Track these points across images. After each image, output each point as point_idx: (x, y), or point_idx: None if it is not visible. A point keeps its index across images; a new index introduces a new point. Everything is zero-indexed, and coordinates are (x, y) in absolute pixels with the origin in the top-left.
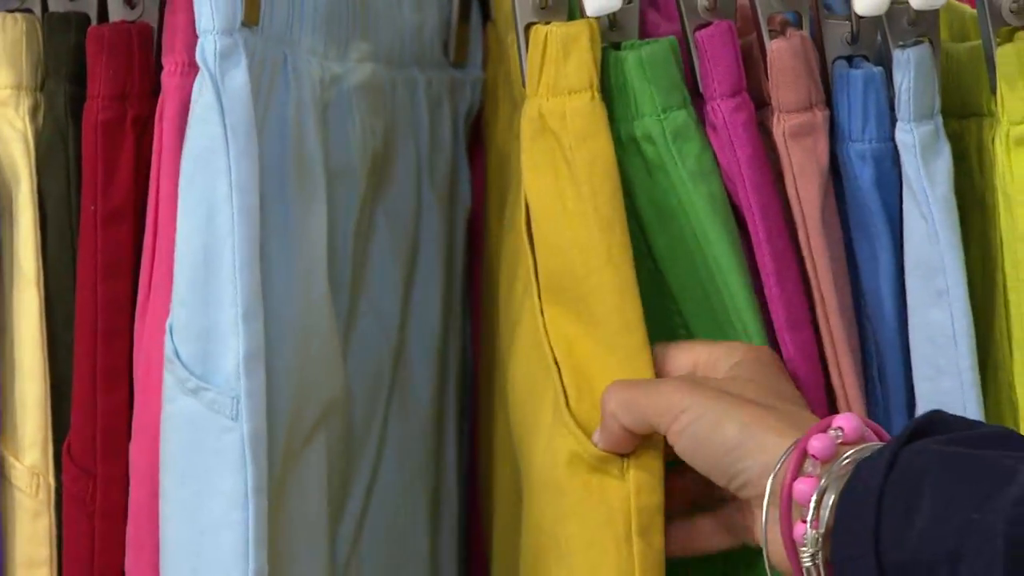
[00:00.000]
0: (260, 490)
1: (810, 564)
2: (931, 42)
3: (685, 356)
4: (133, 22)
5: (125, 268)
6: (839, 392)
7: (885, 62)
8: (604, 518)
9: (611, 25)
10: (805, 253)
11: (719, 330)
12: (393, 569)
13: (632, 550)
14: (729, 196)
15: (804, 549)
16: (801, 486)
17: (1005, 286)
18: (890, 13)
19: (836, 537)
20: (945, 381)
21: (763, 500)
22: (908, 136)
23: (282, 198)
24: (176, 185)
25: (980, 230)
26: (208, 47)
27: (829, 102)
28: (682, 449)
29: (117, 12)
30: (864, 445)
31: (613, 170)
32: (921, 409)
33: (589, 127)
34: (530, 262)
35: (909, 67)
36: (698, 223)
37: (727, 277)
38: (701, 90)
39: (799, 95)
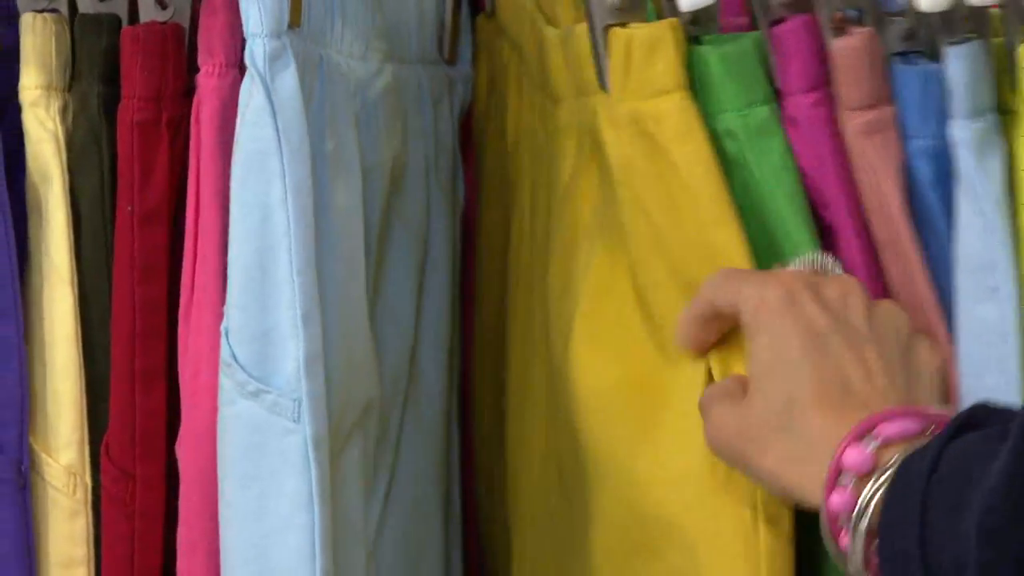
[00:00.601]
0: (324, 491)
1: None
2: (984, 39)
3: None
4: (164, 23)
5: (161, 269)
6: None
7: (939, 58)
8: (731, 508)
9: (693, 20)
10: (889, 250)
11: None
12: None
13: (759, 539)
14: (808, 194)
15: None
16: (837, 498)
17: None
18: (948, 9)
19: (882, 539)
20: (990, 378)
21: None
22: (964, 133)
23: (324, 200)
24: (217, 188)
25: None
26: (257, 50)
27: None
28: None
29: (148, 13)
30: (906, 444)
31: (715, 168)
32: (965, 405)
33: (685, 127)
34: (625, 262)
35: (964, 63)
36: (780, 220)
37: None
38: (778, 86)
39: (869, 92)
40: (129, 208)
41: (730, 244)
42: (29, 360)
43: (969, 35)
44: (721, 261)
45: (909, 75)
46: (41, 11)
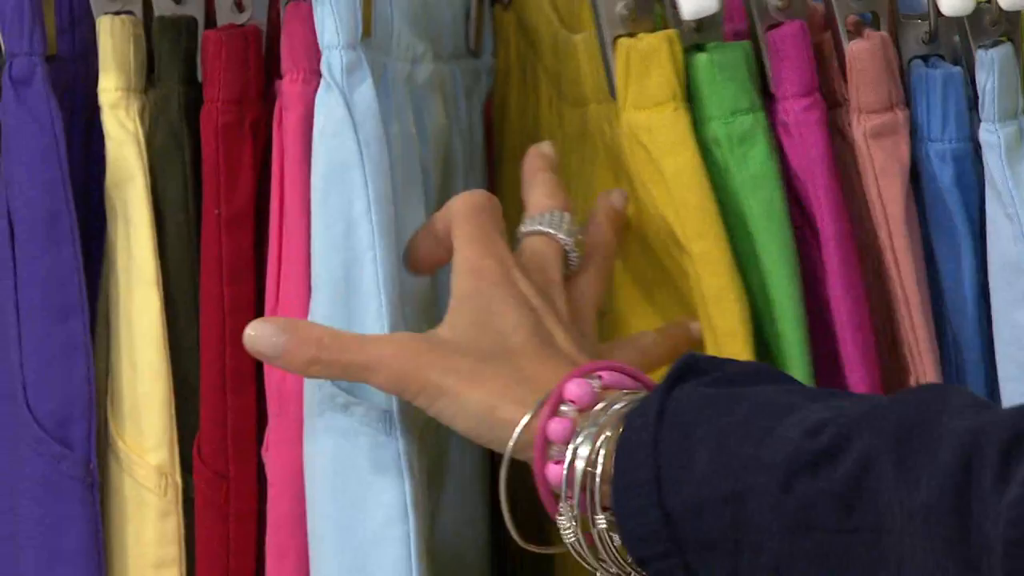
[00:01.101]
0: (418, 502)
1: (565, 509)
2: (1012, 42)
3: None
4: (242, 25)
5: (248, 271)
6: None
7: (962, 61)
8: None
9: (698, 28)
10: (887, 253)
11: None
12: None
13: None
14: (798, 196)
15: (562, 491)
16: (556, 426)
17: None
18: (974, 13)
19: (616, 491)
20: None
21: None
22: (992, 136)
23: (399, 210)
24: (303, 193)
25: None
26: (334, 62)
27: (906, 102)
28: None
29: (226, 16)
30: (624, 392)
31: (700, 180)
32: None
33: (674, 138)
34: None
35: (993, 67)
36: (755, 229)
37: (776, 283)
38: (772, 90)
39: (880, 95)
40: (216, 211)
41: (710, 256)
42: (116, 361)
43: (1000, 39)
44: (702, 271)
45: (931, 78)
46: (117, 13)
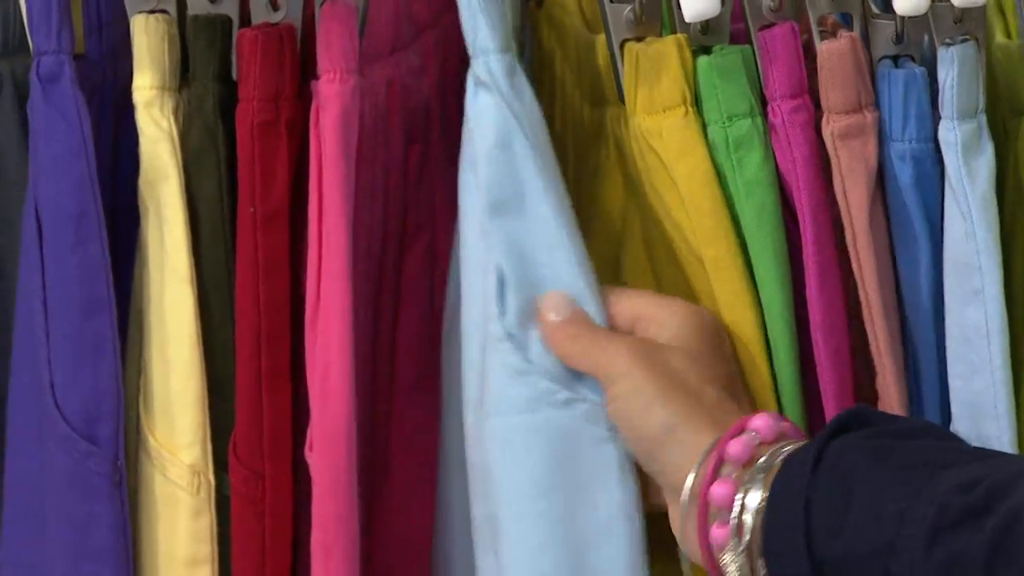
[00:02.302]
0: (639, 500)
1: (733, 568)
2: (976, 40)
3: (627, 305)
4: (276, 24)
5: (283, 269)
6: (883, 392)
7: (931, 61)
8: None
9: (703, 30)
10: (852, 254)
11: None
12: None
13: None
14: (788, 199)
15: (725, 555)
16: (719, 490)
17: None
18: (936, 12)
19: (767, 535)
20: (978, 380)
21: (679, 494)
22: (950, 134)
23: None
24: (341, 193)
25: None
26: (495, 67)
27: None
28: (613, 413)
29: (260, 14)
30: (784, 443)
31: (711, 183)
32: (955, 407)
33: (685, 142)
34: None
35: (953, 65)
36: (748, 234)
37: (765, 288)
38: (764, 91)
39: (848, 96)
40: (251, 209)
41: (722, 260)
42: (149, 359)
43: (964, 38)
44: (714, 276)
45: (893, 78)
46: (151, 12)
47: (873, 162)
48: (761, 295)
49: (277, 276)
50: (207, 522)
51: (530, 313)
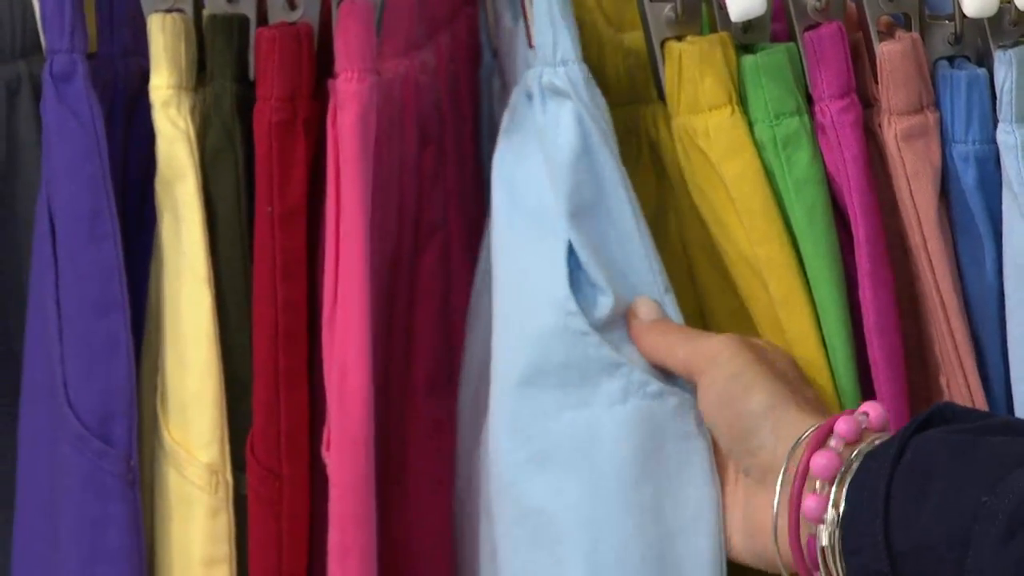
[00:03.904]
0: (719, 494)
1: (825, 543)
2: None
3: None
4: (294, 23)
5: (300, 269)
6: (962, 395)
7: (987, 63)
8: None
9: (745, 29)
10: (920, 257)
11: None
12: None
13: None
14: (835, 199)
15: (820, 527)
16: (821, 459)
17: None
18: (994, 14)
19: (846, 524)
20: None
21: (777, 474)
22: (1009, 137)
23: None
24: (360, 193)
25: None
26: (575, 77)
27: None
28: (707, 404)
29: (278, 14)
30: (883, 433)
31: (762, 183)
32: (1019, 411)
33: (733, 142)
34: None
35: (1011, 68)
36: (799, 233)
37: (820, 288)
38: (810, 91)
39: (911, 97)
40: (269, 208)
41: (775, 259)
42: (166, 358)
43: (1020, 40)
44: (769, 275)
45: (955, 79)
46: (168, 11)
47: (938, 163)
48: (815, 295)
49: (295, 274)
50: (225, 521)
51: (618, 311)
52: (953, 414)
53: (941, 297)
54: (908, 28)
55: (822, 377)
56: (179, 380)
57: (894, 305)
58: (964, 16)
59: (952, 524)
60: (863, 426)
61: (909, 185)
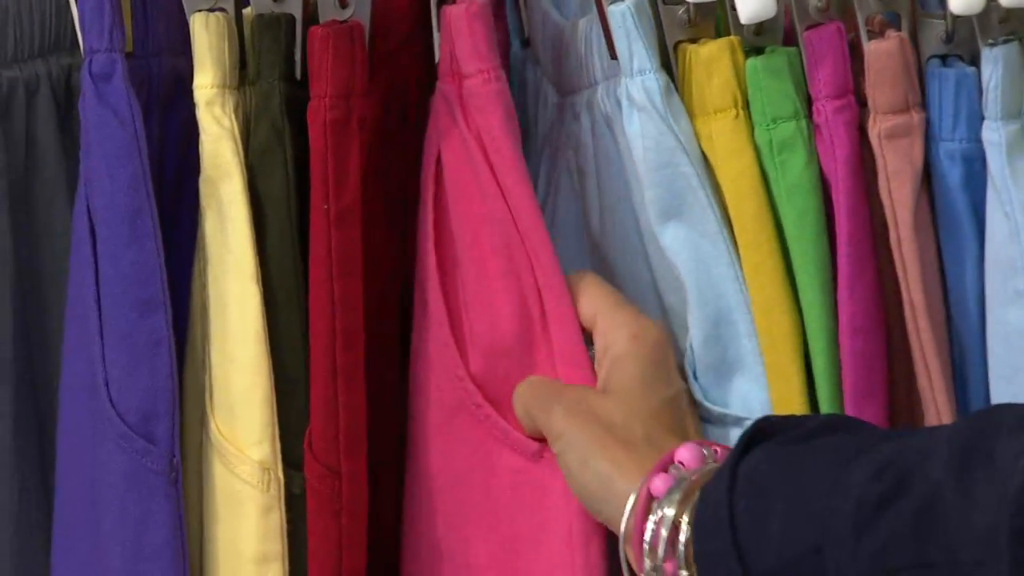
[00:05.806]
0: None
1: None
2: (1021, 41)
3: (590, 303)
4: (344, 21)
5: (357, 267)
6: (927, 395)
7: (978, 61)
8: None
9: (757, 31)
10: (896, 256)
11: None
12: None
13: None
14: (828, 199)
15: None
16: (649, 526)
17: None
18: (982, 11)
19: (699, 562)
20: (1019, 381)
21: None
22: (994, 135)
23: None
24: (527, 194)
25: None
26: (652, 86)
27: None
28: (562, 471)
29: (329, 12)
30: (704, 468)
31: (757, 188)
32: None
33: (733, 145)
34: None
35: (997, 65)
36: (789, 238)
37: (806, 294)
38: (809, 92)
39: (895, 96)
40: (325, 206)
41: (763, 267)
42: (213, 356)
43: (1008, 37)
44: (752, 282)
45: (944, 77)
46: (211, 10)
47: (919, 163)
48: (802, 300)
49: (351, 272)
50: (277, 519)
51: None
52: (772, 427)
53: (911, 297)
54: (900, 27)
55: (794, 387)
56: (227, 377)
57: (875, 306)
58: (955, 15)
59: (802, 534)
60: (678, 475)
61: (889, 184)
